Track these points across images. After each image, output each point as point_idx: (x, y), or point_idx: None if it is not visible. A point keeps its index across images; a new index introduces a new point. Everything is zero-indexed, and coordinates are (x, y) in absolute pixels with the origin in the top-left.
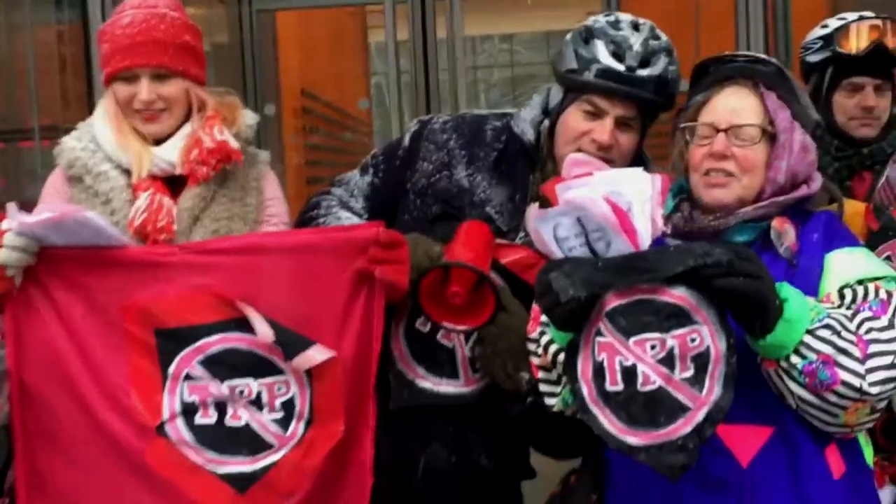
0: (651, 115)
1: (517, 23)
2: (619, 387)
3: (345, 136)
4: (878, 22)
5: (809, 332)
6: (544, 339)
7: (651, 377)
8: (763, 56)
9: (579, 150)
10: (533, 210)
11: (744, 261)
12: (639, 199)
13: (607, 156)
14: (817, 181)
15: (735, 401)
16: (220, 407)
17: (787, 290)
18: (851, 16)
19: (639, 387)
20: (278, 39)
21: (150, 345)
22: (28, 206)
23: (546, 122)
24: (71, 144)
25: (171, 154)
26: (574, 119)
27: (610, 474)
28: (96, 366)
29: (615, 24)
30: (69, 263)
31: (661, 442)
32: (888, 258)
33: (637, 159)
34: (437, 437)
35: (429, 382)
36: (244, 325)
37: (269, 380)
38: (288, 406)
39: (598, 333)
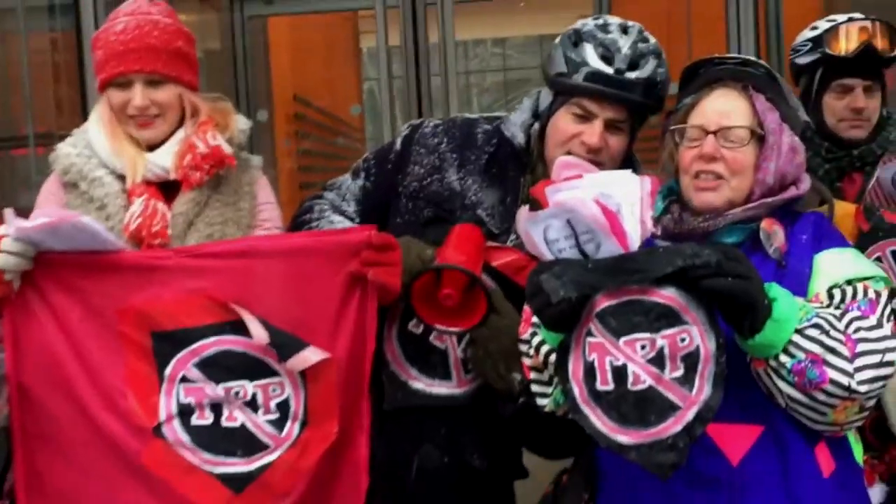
0: (640, 118)
1: (510, 27)
2: (610, 386)
3: (337, 142)
4: (868, 23)
5: (798, 331)
6: (536, 340)
7: (641, 377)
8: (752, 59)
9: (569, 152)
10: (523, 212)
11: (732, 261)
12: (628, 201)
13: (597, 158)
14: (806, 182)
15: (725, 400)
16: (216, 408)
17: (775, 290)
18: (841, 17)
19: (629, 386)
20: (270, 45)
21: (147, 347)
22: (23, 213)
23: (536, 126)
24: (66, 151)
25: (164, 160)
26: (564, 122)
27: (601, 474)
28: (93, 368)
29: (604, 28)
30: (66, 268)
31: (652, 441)
32: (878, 259)
33: (626, 162)
34: (430, 437)
35: (422, 383)
36: (239, 328)
37: (263, 381)
38: (283, 407)
39: (589, 334)
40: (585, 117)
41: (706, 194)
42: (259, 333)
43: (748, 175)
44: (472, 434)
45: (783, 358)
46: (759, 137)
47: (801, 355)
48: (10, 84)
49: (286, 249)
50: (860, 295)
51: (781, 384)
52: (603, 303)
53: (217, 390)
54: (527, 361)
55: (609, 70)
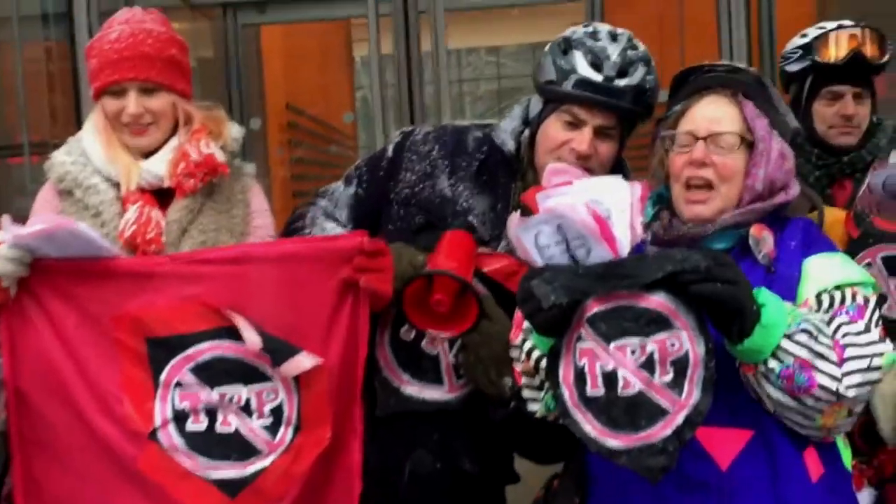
0: (629, 125)
1: (503, 35)
2: (600, 391)
3: (330, 150)
4: (857, 30)
5: (787, 336)
6: (527, 346)
7: (631, 381)
8: (742, 66)
9: (559, 159)
10: (514, 218)
11: (721, 266)
12: (618, 207)
13: (586, 165)
14: (795, 188)
15: (714, 405)
16: (211, 413)
17: (764, 296)
18: (830, 24)
19: (619, 391)
20: (263, 54)
21: (142, 353)
22: (19, 221)
23: (526, 133)
24: (61, 159)
25: (158, 167)
26: (553, 129)
27: (592, 478)
28: (89, 374)
29: (593, 35)
30: (62, 274)
31: (642, 445)
32: (868, 265)
33: (616, 168)
34: (423, 443)
35: (414, 389)
36: (233, 334)
37: (257, 386)
38: (276, 412)
39: (580, 339)
40: (575, 124)
41: (696, 207)
42: (252, 339)
43: (737, 181)
44: (464, 439)
45: (772, 363)
46: (748, 144)
47: (790, 360)
48: (5, 93)
49: (279, 256)
50: (848, 300)
51: (770, 389)
52: (593, 308)
53: (212, 395)
54: (518, 367)
55: (598, 77)
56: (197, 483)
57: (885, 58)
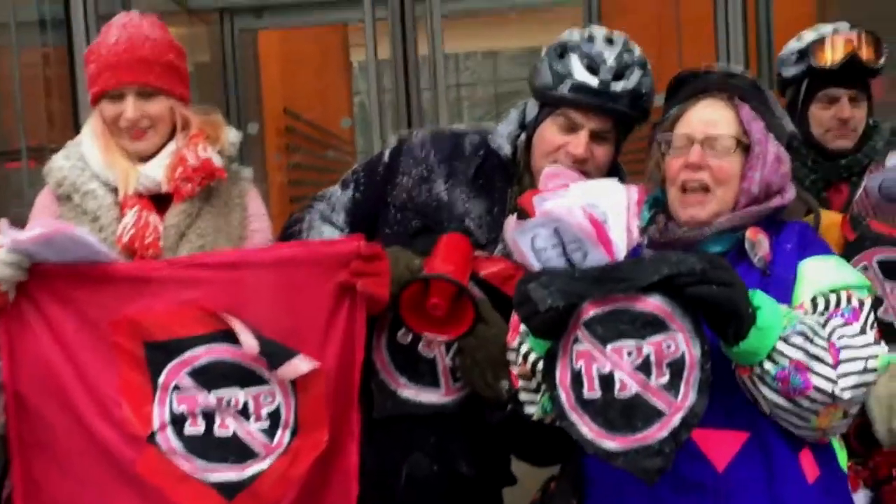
0: (625, 128)
1: (501, 39)
2: (597, 393)
3: (327, 155)
4: (853, 34)
5: (782, 338)
6: (523, 349)
7: (628, 383)
8: (738, 70)
9: (555, 163)
10: (511, 222)
11: (717, 269)
12: (614, 211)
13: (583, 168)
14: (791, 192)
15: (710, 407)
16: (208, 417)
17: (759, 298)
18: (826, 28)
19: (616, 393)
20: (260, 58)
21: (140, 357)
22: (17, 226)
23: (523, 137)
24: (59, 164)
25: (156, 172)
26: (550, 133)
27: (588, 480)
28: (88, 378)
29: (589, 39)
30: (60, 279)
31: (639, 446)
32: (864, 268)
33: (612, 172)
34: (420, 445)
35: (411, 392)
36: (230, 337)
37: (255, 390)
38: (274, 416)
39: (576, 341)
40: (571, 128)
41: (692, 209)
42: (249, 343)
43: (733, 184)
44: (460, 442)
45: (767, 365)
46: (744, 147)
47: (785, 362)
48: (3, 98)
49: (276, 260)
50: (843, 303)
51: (766, 391)
52: (590, 311)
53: (209, 399)
54: (514, 369)
55: (594, 81)
56: (195, 486)
57: (881, 61)
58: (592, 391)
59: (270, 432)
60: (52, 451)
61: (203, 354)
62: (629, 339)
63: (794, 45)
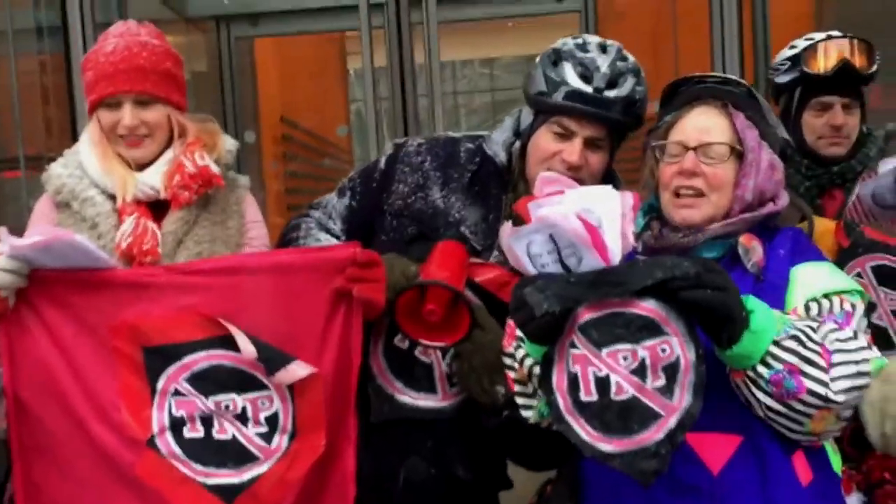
0: (619, 135)
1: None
2: (594, 397)
3: (324, 163)
4: (845, 41)
5: (775, 342)
6: (520, 354)
7: (624, 387)
8: (732, 77)
9: (549, 170)
10: (507, 228)
11: (711, 273)
12: (609, 216)
13: (577, 175)
14: (784, 199)
15: (705, 410)
16: (207, 421)
17: (753, 303)
18: (819, 35)
19: (612, 396)
20: (257, 66)
21: (138, 362)
22: (15, 234)
23: (517, 144)
24: (58, 171)
25: (154, 179)
26: (544, 140)
27: (585, 483)
28: (88, 382)
29: (583, 47)
30: (59, 285)
31: (635, 448)
32: (858, 275)
33: (607, 178)
34: (417, 450)
35: (408, 397)
36: (228, 343)
37: (253, 395)
38: (272, 420)
39: (572, 346)
40: (565, 135)
41: (686, 211)
42: (247, 348)
43: (727, 191)
44: (457, 446)
45: (761, 369)
46: (738, 154)
47: (779, 366)
48: (0, 107)
49: (273, 266)
50: (836, 308)
51: (759, 394)
52: (585, 315)
53: (208, 403)
54: (511, 374)
55: (588, 89)
56: (194, 489)
57: (874, 68)
58: (589, 395)
59: (268, 436)
60: (52, 454)
61: (201, 359)
62: (624, 342)
63: (786, 52)
